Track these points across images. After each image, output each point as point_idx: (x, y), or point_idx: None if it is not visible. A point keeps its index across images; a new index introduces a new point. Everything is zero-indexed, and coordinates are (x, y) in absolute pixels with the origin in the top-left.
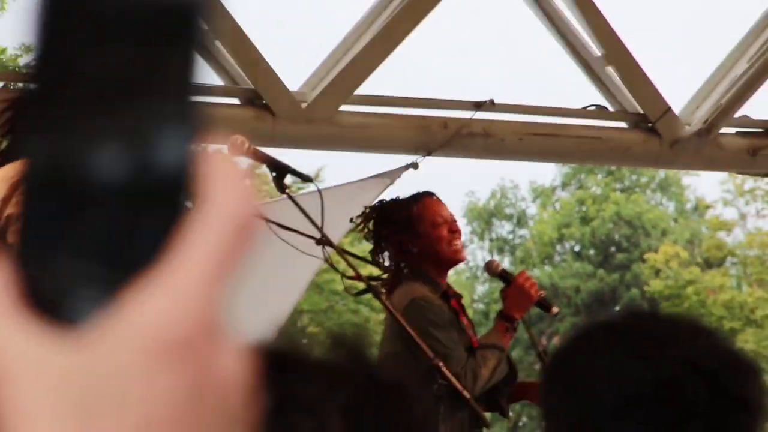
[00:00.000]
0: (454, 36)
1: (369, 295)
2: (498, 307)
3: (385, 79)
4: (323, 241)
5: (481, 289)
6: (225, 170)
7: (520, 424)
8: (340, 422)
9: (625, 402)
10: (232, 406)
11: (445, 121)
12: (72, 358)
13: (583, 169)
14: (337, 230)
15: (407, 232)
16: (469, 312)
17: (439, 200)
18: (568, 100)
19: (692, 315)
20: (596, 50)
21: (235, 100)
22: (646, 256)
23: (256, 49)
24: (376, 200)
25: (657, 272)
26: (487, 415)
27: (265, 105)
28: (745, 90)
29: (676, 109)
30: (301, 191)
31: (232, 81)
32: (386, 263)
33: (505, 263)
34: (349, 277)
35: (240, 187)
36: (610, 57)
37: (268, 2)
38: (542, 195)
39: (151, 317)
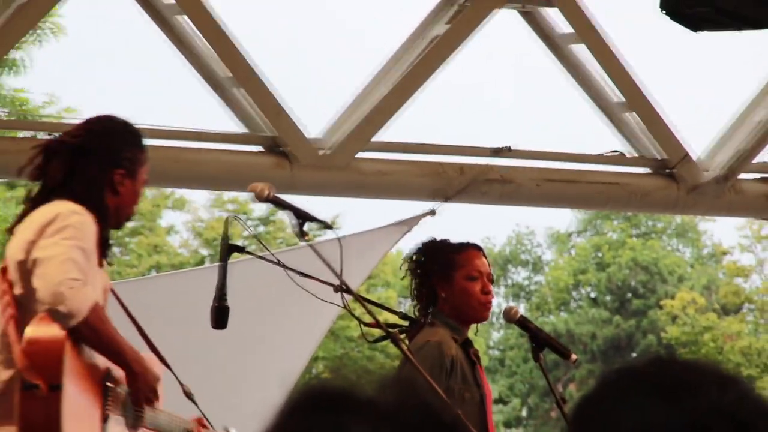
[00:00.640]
0: (472, 82)
1: (385, 342)
2: (513, 354)
3: (402, 126)
4: (342, 288)
5: (496, 335)
6: None
7: None
8: None
9: None
10: None
11: (462, 167)
12: None
13: (600, 215)
14: (356, 278)
15: (442, 278)
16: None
17: (482, 254)
18: (587, 145)
19: (715, 361)
20: (615, 96)
21: (255, 148)
22: (662, 302)
23: (276, 97)
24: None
25: (674, 318)
26: None
27: (284, 152)
28: (765, 136)
29: (695, 155)
30: (318, 238)
31: (252, 128)
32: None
33: (521, 310)
34: (368, 324)
35: None
36: (629, 103)
37: (288, 51)
38: (558, 241)
39: None
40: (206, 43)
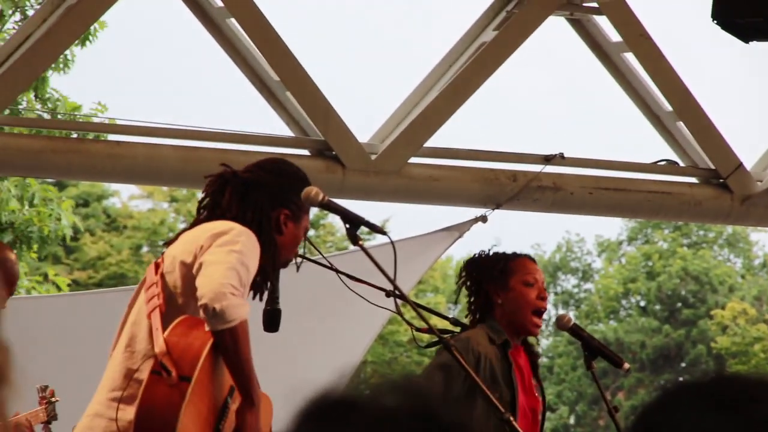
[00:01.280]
0: (524, 89)
1: (434, 348)
2: (562, 361)
3: (453, 132)
4: (393, 293)
5: (545, 342)
6: None
7: None
8: None
9: None
10: None
11: (514, 174)
12: None
13: (650, 224)
14: (406, 283)
15: (498, 282)
16: None
17: (536, 263)
18: (638, 154)
19: None
20: (667, 105)
21: (305, 152)
22: (713, 312)
23: (326, 101)
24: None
25: (724, 329)
26: None
27: (334, 156)
28: None
29: (748, 164)
30: (368, 242)
31: (302, 132)
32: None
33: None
34: (419, 329)
35: None
36: (680, 112)
37: (339, 53)
38: (608, 249)
39: None
40: (255, 47)
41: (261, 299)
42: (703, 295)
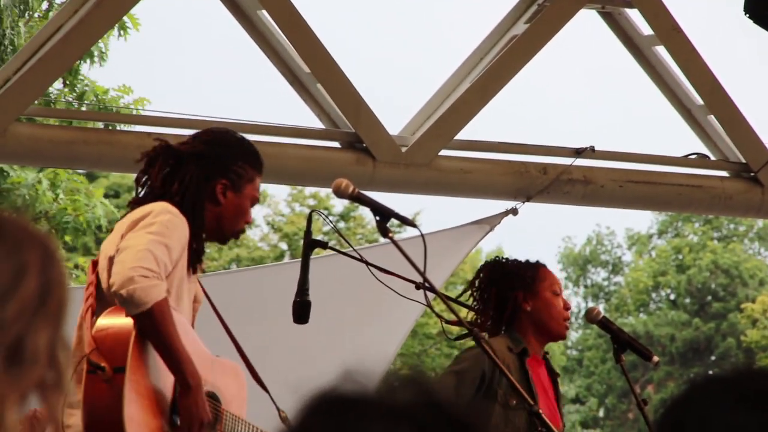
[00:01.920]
0: (555, 82)
1: (463, 341)
2: (591, 354)
3: (484, 125)
4: (423, 285)
5: (574, 335)
6: None
7: None
8: None
9: None
10: None
11: (544, 167)
12: None
13: (680, 217)
14: (438, 276)
15: (527, 289)
16: (562, 359)
17: None
18: (669, 148)
19: None
20: (698, 98)
21: (336, 144)
22: (743, 305)
23: (357, 93)
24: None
25: (754, 322)
26: None
27: (365, 149)
28: None
29: None
30: (398, 235)
31: (333, 124)
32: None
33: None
34: (449, 322)
35: None
36: (711, 105)
37: (369, 46)
38: (638, 242)
39: None
40: (286, 38)
41: (194, 272)
42: (733, 288)
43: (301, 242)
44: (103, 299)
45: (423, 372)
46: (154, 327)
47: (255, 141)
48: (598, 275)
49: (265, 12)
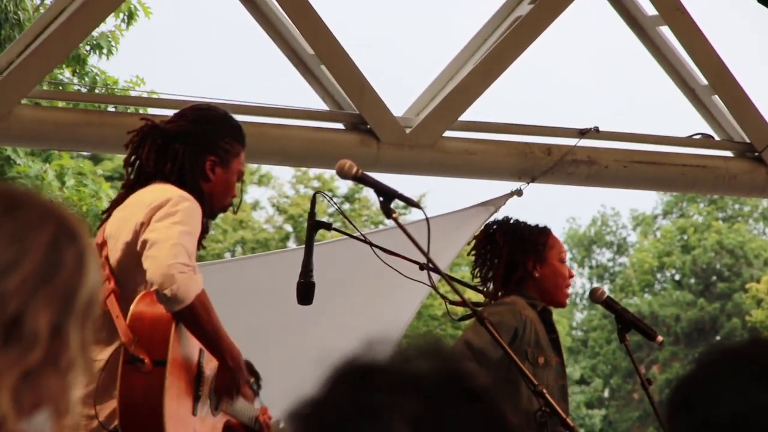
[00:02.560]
0: (559, 63)
1: (468, 321)
2: (596, 335)
3: (488, 106)
4: (427, 266)
5: (579, 316)
6: None
7: None
8: (407, 429)
9: (751, 430)
10: None
11: (549, 148)
12: None
13: (685, 198)
14: (443, 258)
15: (538, 256)
16: (567, 340)
17: None
18: (673, 128)
19: None
20: (702, 79)
21: (340, 125)
22: (747, 285)
23: (361, 75)
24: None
25: (759, 302)
26: None
27: (369, 130)
28: None
29: None
30: (402, 217)
31: (337, 106)
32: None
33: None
34: (453, 302)
35: None
36: (716, 85)
37: (373, 28)
38: (643, 223)
39: None
40: (290, 20)
41: (198, 248)
42: (738, 268)
43: (306, 224)
44: (121, 283)
45: (442, 343)
46: (196, 319)
47: (259, 123)
48: (603, 256)
49: None
